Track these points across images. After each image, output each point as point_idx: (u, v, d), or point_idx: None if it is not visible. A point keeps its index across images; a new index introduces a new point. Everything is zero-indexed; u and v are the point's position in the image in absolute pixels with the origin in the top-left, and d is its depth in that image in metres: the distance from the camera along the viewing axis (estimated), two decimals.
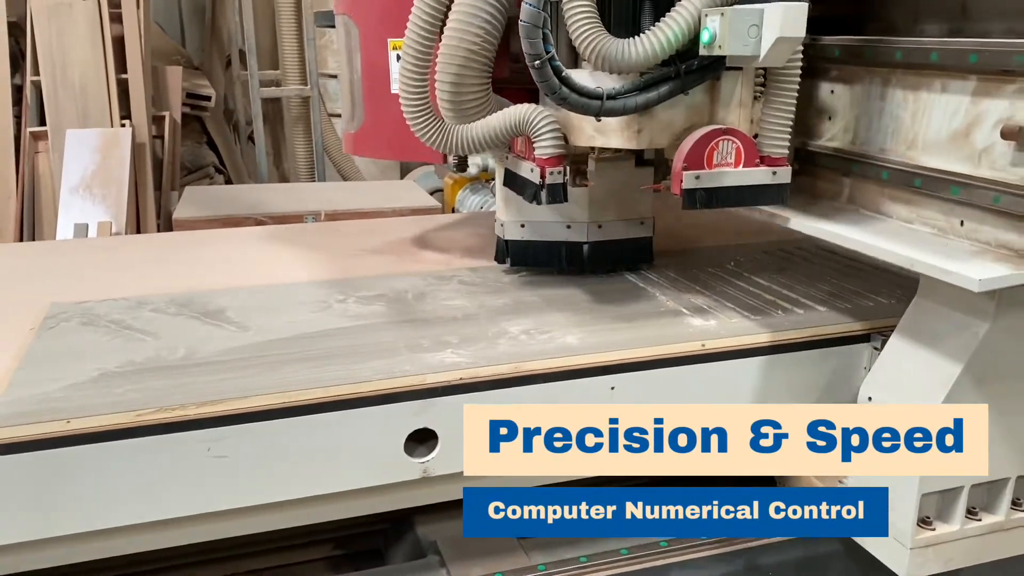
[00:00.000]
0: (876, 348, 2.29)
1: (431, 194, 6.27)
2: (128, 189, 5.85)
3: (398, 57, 2.34)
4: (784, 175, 2.15)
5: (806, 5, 1.91)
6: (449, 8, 2.13)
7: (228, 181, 7.75)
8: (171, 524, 1.92)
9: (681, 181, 2.05)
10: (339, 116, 5.70)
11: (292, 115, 7.74)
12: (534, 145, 2.21)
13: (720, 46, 1.92)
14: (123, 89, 6.10)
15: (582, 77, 2.12)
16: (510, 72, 2.42)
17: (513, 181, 2.47)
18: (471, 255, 2.98)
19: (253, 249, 3.17)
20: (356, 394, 1.95)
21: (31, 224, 6.15)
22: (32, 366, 2.07)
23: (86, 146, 5.90)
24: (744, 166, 2.10)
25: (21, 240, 6.02)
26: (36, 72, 6.06)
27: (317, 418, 1.93)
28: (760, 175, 2.13)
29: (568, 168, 2.24)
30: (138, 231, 5.99)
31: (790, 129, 2.15)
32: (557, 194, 2.23)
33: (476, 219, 3.97)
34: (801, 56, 2.10)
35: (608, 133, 2.19)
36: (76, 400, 1.88)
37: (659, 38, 1.99)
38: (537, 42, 1.94)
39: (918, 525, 2.04)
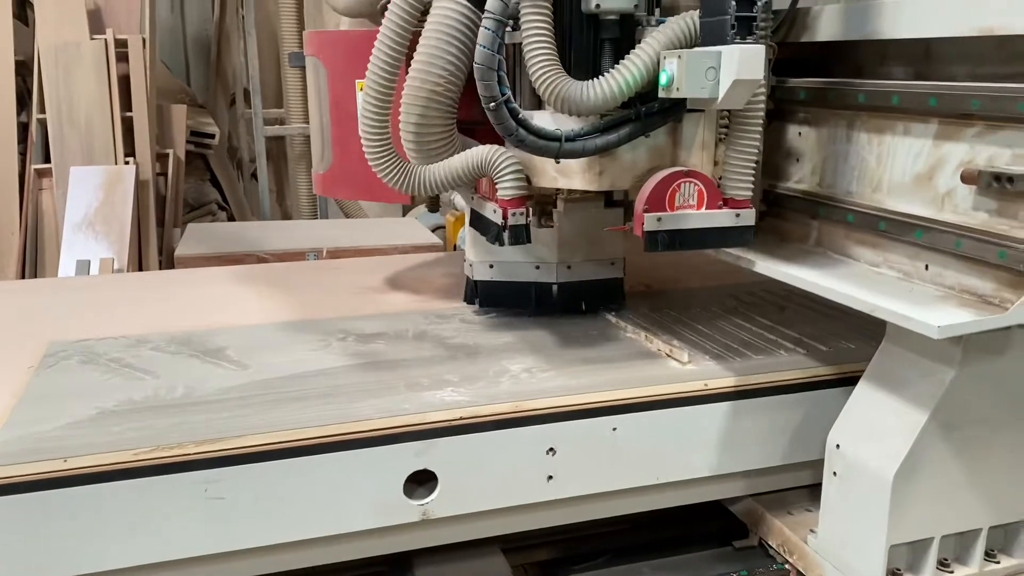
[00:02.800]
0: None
1: (433, 231, 6.25)
2: (131, 226, 5.87)
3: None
4: (748, 217, 2.11)
5: (763, 48, 1.86)
6: (412, 48, 2.11)
7: (231, 218, 7.77)
8: (166, 567, 1.89)
9: (643, 223, 2.02)
10: None
11: (295, 153, 7.78)
12: (496, 186, 2.17)
13: (678, 88, 1.89)
14: (128, 127, 6.13)
15: (543, 119, 2.09)
16: (480, 113, 2.40)
17: (479, 222, 2.43)
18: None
19: (254, 286, 3.13)
20: (355, 434, 1.93)
21: (33, 261, 6.18)
22: (30, 404, 2.06)
23: (90, 183, 5.92)
24: (707, 208, 2.07)
25: (23, 276, 6.04)
26: (42, 110, 6.12)
27: (315, 459, 1.90)
28: (723, 217, 2.09)
29: (531, 209, 2.21)
30: (140, 268, 6.00)
31: (754, 171, 2.11)
32: (520, 236, 2.19)
33: None
34: (764, 98, 2.06)
35: (570, 174, 2.15)
36: (74, 439, 1.87)
37: (618, 80, 1.95)
38: (492, 84, 1.91)
39: None
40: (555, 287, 2.59)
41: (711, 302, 2.85)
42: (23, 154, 6.31)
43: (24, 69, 6.37)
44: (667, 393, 2.16)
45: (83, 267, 5.69)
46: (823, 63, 2.32)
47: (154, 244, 6.10)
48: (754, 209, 2.11)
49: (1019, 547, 2.07)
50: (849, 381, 2.18)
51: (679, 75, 1.88)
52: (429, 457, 1.98)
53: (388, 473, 1.96)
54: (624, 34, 2.03)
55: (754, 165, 2.09)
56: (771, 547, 2.30)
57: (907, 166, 1.99)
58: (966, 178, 1.79)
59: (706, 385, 2.19)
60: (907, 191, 1.99)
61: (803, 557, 2.18)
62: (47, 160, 6.14)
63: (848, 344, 2.44)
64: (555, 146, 2.01)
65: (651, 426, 2.13)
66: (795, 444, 2.26)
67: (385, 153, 2.21)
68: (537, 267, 2.58)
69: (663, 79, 1.91)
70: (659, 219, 2.03)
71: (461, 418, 1.99)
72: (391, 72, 2.12)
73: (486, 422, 2.01)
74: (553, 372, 2.25)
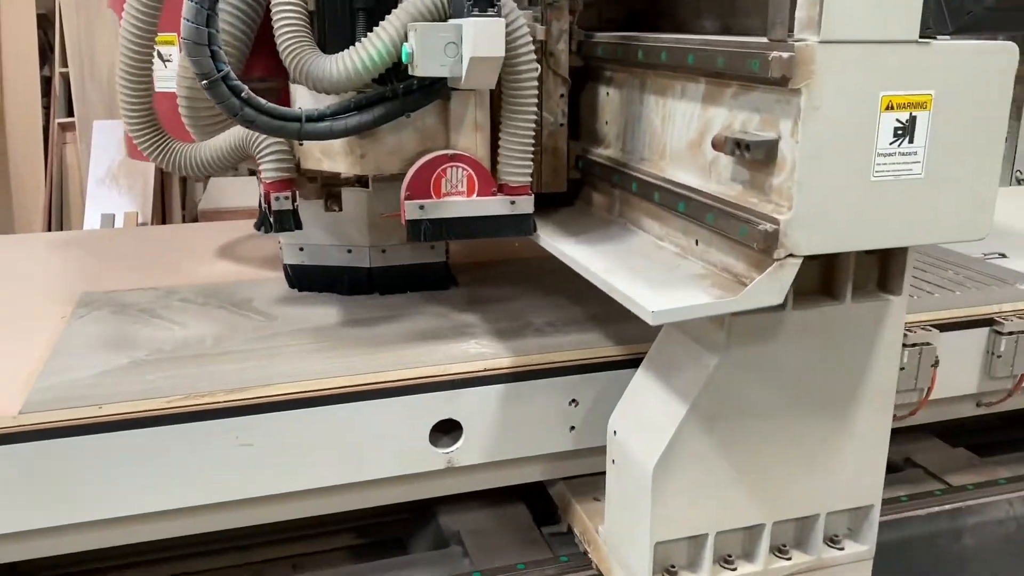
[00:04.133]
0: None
1: None
2: (154, 180, 5.83)
3: (158, 53, 2.15)
4: (525, 205, 1.96)
5: (502, 22, 1.71)
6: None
7: (252, 172, 7.66)
8: (197, 511, 1.95)
9: (405, 210, 1.87)
10: None
11: None
12: (259, 168, 2.02)
13: (417, 66, 1.73)
14: None
15: (303, 96, 1.93)
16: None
17: None
18: None
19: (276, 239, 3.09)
20: (383, 383, 1.98)
21: (59, 214, 6.18)
22: (64, 354, 2.10)
23: (113, 137, 5.84)
24: (478, 195, 1.92)
25: (50, 230, 6.04)
26: (64, 64, 6.01)
27: (343, 407, 1.95)
28: (496, 205, 1.94)
29: (296, 193, 2.05)
30: (164, 222, 5.96)
31: (531, 154, 1.95)
32: (286, 222, 2.04)
33: None
34: (533, 73, 1.87)
35: (334, 157, 1.98)
36: (107, 387, 1.92)
37: (361, 55, 1.78)
38: (203, 60, 1.69)
39: (662, 575, 1.84)
40: (369, 272, 2.45)
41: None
42: (46, 108, 6.26)
43: (46, 23, 6.25)
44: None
45: (108, 220, 5.70)
46: (652, 17, 2.14)
47: (177, 198, 6.04)
48: (532, 195, 1.96)
49: (814, 543, 1.92)
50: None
51: (417, 51, 1.72)
52: (455, 406, 2.03)
53: (414, 422, 2.01)
54: (381, 3, 1.84)
55: (530, 147, 1.94)
56: (576, 535, 2.18)
57: (683, 131, 1.83)
58: (715, 144, 1.63)
59: None
60: (683, 159, 1.83)
61: (596, 549, 2.06)
62: (70, 114, 6.07)
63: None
64: (294, 127, 1.80)
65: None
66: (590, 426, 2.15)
67: (144, 127, 2.04)
68: (349, 251, 2.44)
69: (404, 55, 1.74)
70: (422, 207, 1.88)
71: (486, 369, 2.05)
72: (143, 36, 1.95)
73: (510, 373, 2.06)
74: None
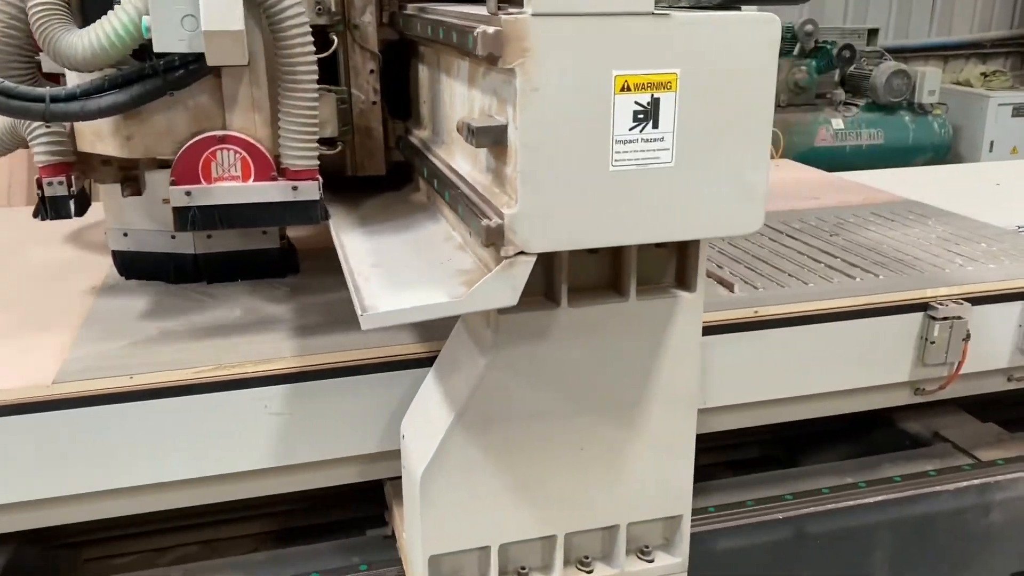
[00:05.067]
0: None
1: None
2: None
3: None
4: (309, 190, 1.80)
5: None
6: None
7: None
8: (228, 479, 1.93)
9: (171, 198, 1.76)
10: None
11: None
12: (32, 151, 1.91)
13: (155, 40, 1.60)
14: None
15: (71, 76, 1.80)
16: None
17: None
18: None
19: None
20: (409, 355, 1.93)
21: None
22: (95, 324, 2.11)
23: None
24: (255, 180, 1.78)
25: None
26: None
27: (371, 378, 1.90)
28: (275, 191, 1.79)
29: (73, 178, 1.93)
30: None
31: (313, 134, 1.79)
32: (62, 208, 1.93)
33: None
34: (308, 48, 1.71)
35: (104, 139, 1.86)
36: (138, 357, 1.92)
37: (106, 29, 1.64)
38: None
39: None
40: (195, 259, 2.31)
41: None
42: None
43: None
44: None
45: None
46: None
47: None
48: (317, 180, 1.81)
49: (618, 556, 1.79)
50: None
51: (153, 24, 1.59)
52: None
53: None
54: None
55: (312, 127, 1.79)
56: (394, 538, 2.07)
57: (459, 113, 1.68)
58: (458, 129, 1.48)
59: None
60: (461, 144, 1.68)
61: (403, 553, 1.95)
62: None
63: None
64: (38, 108, 1.68)
65: None
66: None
67: None
68: (173, 236, 2.30)
69: (144, 28, 1.61)
70: (188, 193, 1.75)
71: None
72: None
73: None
74: None
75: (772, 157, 7.05)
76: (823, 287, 2.31)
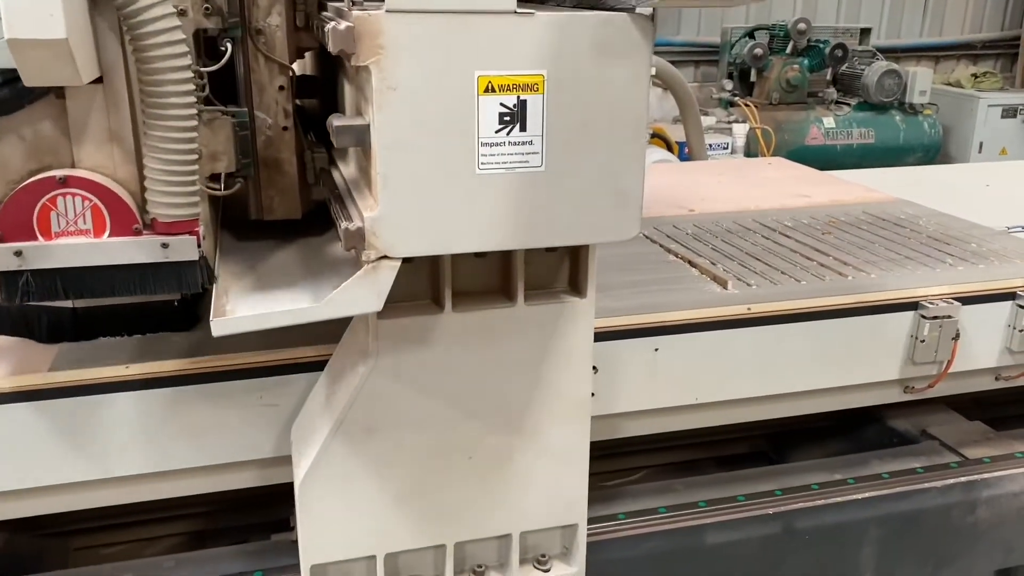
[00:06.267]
0: None
1: None
2: None
3: None
4: (185, 248, 1.40)
5: None
6: None
7: None
8: (223, 469, 1.90)
9: None
10: None
11: None
12: None
13: None
14: None
15: None
16: None
17: None
18: None
19: None
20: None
21: None
22: None
23: None
24: (111, 236, 1.39)
25: None
26: None
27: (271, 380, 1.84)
28: (138, 249, 1.39)
29: None
30: None
31: (189, 176, 1.40)
32: None
33: None
34: (180, 63, 1.32)
35: None
36: (131, 346, 1.88)
37: None
38: None
39: None
40: (73, 312, 1.89)
41: None
42: None
43: None
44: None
45: None
46: None
47: None
48: (196, 235, 1.42)
49: (511, 565, 1.74)
50: None
51: None
52: None
53: None
54: None
55: (187, 164, 1.39)
56: None
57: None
58: (328, 126, 1.40)
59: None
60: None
61: None
62: None
63: None
64: None
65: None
66: None
67: None
68: None
69: None
70: (19, 253, 1.36)
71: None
72: None
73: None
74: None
75: (763, 155, 7.11)
76: (815, 285, 2.32)
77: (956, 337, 2.24)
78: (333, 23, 1.22)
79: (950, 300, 2.26)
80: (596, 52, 1.30)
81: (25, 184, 1.35)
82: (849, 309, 2.20)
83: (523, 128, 1.31)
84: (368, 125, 1.29)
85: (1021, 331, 2.32)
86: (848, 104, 7.63)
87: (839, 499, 2.18)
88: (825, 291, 2.26)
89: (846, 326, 2.19)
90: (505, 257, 1.55)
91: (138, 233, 1.40)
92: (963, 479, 2.30)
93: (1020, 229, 2.92)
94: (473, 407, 1.61)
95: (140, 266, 1.41)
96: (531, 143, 1.32)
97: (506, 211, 1.35)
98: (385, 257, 1.33)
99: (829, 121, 7.44)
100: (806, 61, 7.52)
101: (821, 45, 7.51)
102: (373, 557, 1.66)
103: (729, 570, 2.10)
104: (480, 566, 1.74)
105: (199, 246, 1.42)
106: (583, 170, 1.36)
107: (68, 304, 1.88)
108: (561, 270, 1.61)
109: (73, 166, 1.41)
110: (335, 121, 1.32)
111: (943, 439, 2.49)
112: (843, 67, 7.68)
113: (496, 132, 1.30)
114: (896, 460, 2.38)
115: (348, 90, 1.58)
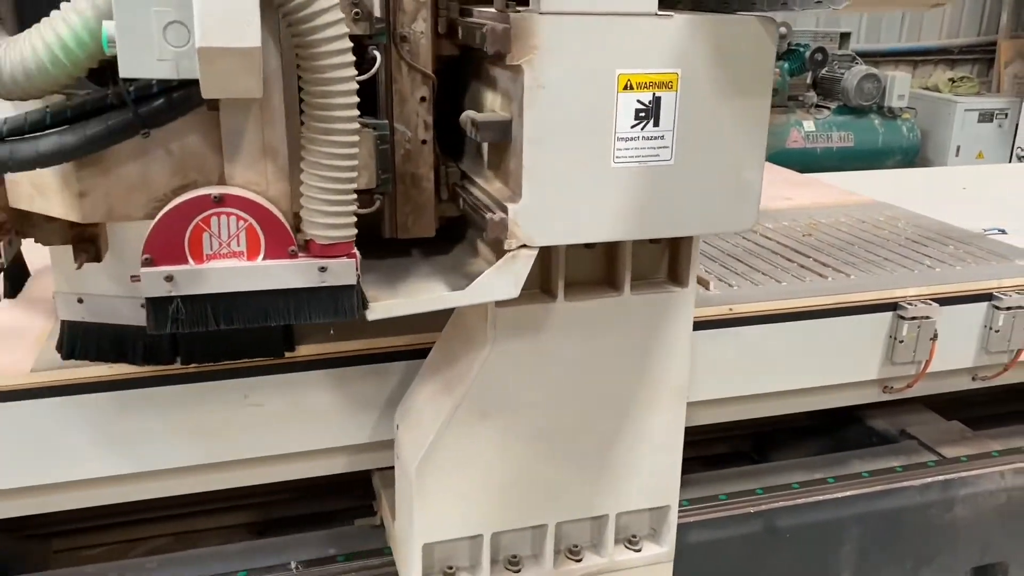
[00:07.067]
0: None
1: None
2: None
3: None
4: (343, 272, 1.35)
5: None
6: None
7: None
8: (209, 469, 1.90)
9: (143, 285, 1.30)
10: None
11: None
12: None
13: (120, 60, 1.16)
14: None
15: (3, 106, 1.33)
16: None
17: None
18: None
19: None
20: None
21: None
22: None
23: None
24: (266, 258, 1.31)
25: None
26: None
27: (353, 370, 1.88)
28: (295, 273, 1.32)
29: (5, 245, 1.55)
30: None
31: (350, 195, 1.35)
32: None
33: None
34: (349, 73, 1.27)
35: (48, 194, 1.39)
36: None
37: (46, 39, 1.18)
38: None
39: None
40: (171, 335, 1.75)
41: None
42: None
43: None
44: None
45: None
46: None
47: None
48: (355, 258, 1.38)
49: (607, 545, 1.82)
50: None
51: (118, 36, 1.15)
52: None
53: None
54: None
55: (349, 183, 1.34)
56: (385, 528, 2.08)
57: None
58: (462, 124, 1.49)
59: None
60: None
61: (393, 541, 1.95)
62: None
63: None
64: None
65: None
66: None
67: None
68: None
69: (104, 39, 1.17)
70: (169, 278, 1.28)
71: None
72: None
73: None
74: None
75: None
76: (795, 286, 2.35)
77: (934, 338, 2.28)
78: (491, 24, 1.28)
79: (928, 301, 2.30)
80: (726, 51, 1.37)
81: (178, 203, 1.27)
82: (829, 310, 2.24)
83: (656, 124, 1.38)
84: (509, 121, 1.36)
85: (997, 332, 2.37)
86: (828, 108, 7.72)
87: (820, 498, 2.25)
88: (805, 292, 2.28)
89: (826, 327, 2.24)
90: (611, 248, 1.62)
91: (294, 256, 1.33)
92: (941, 478, 2.34)
93: (996, 231, 2.96)
94: (579, 393, 1.68)
95: (295, 291, 1.34)
96: (662, 138, 1.39)
97: (637, 202, 1.42)
98: (524, 247, 1.39)
99: (809, 124, 7.53)
100: (786, 65, 7.60)
101: (801, 49, 7.59)
102: (479, 536, 1.73)
103: (711, 569, 2.14)
104: (576, 546, 1.80)
105: (357, 269, 1.36)
106: (708, 163, 1.43)
107: None
108: (661, 261, 1.69)
109: (219, 183, 1.34)
110: (476, 117, 1.38)
111: (921, 438, 2.56)
112: (823, 71, 7.77)
113: (631, 127, 1.37)
114: (876, 459, 2.45)
115: (478, 89, 1.59)
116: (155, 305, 1.30)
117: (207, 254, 1.29)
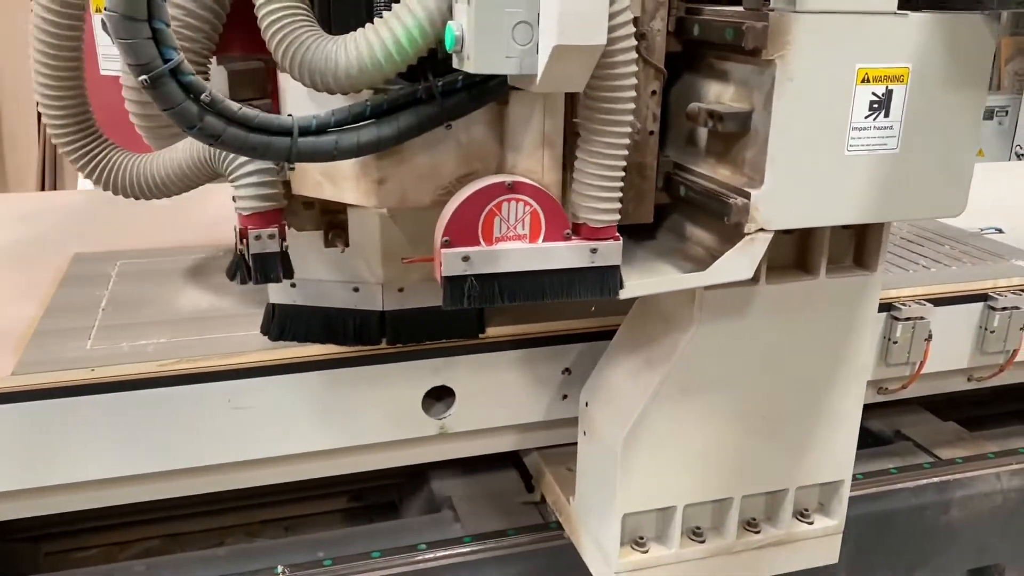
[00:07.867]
0: None
1: None
2: None
3: (103, 23, 1.75)
4: (610, 253, 1.47)
5: None
6: None
7: None
8: (190, 473, 1.94)
9: (442, 264, 1.40)
10: None
11: None
12: (234, 195, 1.56)
13: (468, 56, 1.23)
14: None
15: (296, 94, 1.45)
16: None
17: None
18: None
19: None
20: (376, 351, 1.94)
21: (52, 173, 6.11)
22: (57, 316, 2.09)
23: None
24: (545, 240, 1.44)
25: (43, 189, 5.96)
26: None
27: (337, 372, 1.93)
28: (569, 254, 1.45)
29: (285, 229, 1.56)
30: None
31: (620, 183, 1.45)
32: (271, 268, 1.56)
33: None
34: (633, 69, 1.35)
35: (340, 182, 1.51)
36: (100, 350, 1.90)
37: (383, 37, 1.27)
38: (139, 44, 1.11)
39: (631, 546, 1.84)
40: (381, 316, 1.92)
41: None
42: None
43: None
44: None
45: None
46: None
47: None
48: (620, 241, 1.49)
49: (783, 518, 1.92)
50: None
51: (470, 35, 1.22)
52: (448, 374, 2.01)
53: (407, 388, 2.00)
54: None
55: (621, 171, 1.44)
56: (548, 505, 2.17)
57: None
58: (689, 116, 1.62)
59: None
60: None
61: (568, 519, 2.04)
62: None
63: None
64: (283, 143, 1.30)
65: None
66: None
67: (69, 127, 1.57)
68: (356, 289, 1.89)
69: (449, 40, 1.27)
70: (466, 258, 1.41)
71: (480, 337, 2.01)
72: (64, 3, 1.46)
73: (505, 341, 2.03)
74: None
75: None
76: None
77: (929, 338, 2.31)
78: (750, 22, 1.42)
79: (923, 302, 2.33)
80: (953, 47, 1.50)
81: (476, 190, 1.40)
82: None
83: (887, 115, 1.50)
84: (751, 111, 1.48)
85: (993, 332, 2.39)
86: None
87: None
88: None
89: None
90: (804, 233, 1.73)
91: (568, 238, 1.45)
92: (936, 479, 2.37)
93: (993, 231, 2.97)
94: (773, 371, 1.79)
95: (569, 271, 1.47)
96: (891, 128, 1.52)
97: (865, 189, 1.54)
98: (760, 230, 1.50)
99: None
100: None
101: None
102: (670, 508, 1.82)
103: None
104: (753, 519, 1.90)
105: (620, 251, 1.49)
106: (928, 152, 1.56)
107: (378, 307, 1.92)
108: (849, 246, 1.80)
109: (498, 171, 1.49)
110: (717, 108, 1.49)
111: (917, 439, 2.59)
112: None
113: (865, 118, 1.49)
114: (870, 460, 2.47)
115: (694, 82, 1.68)
116: (451, 283, 1.41)
117: (496, 236, 1.43)
